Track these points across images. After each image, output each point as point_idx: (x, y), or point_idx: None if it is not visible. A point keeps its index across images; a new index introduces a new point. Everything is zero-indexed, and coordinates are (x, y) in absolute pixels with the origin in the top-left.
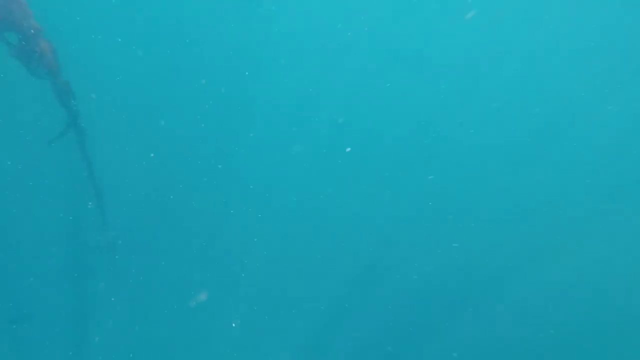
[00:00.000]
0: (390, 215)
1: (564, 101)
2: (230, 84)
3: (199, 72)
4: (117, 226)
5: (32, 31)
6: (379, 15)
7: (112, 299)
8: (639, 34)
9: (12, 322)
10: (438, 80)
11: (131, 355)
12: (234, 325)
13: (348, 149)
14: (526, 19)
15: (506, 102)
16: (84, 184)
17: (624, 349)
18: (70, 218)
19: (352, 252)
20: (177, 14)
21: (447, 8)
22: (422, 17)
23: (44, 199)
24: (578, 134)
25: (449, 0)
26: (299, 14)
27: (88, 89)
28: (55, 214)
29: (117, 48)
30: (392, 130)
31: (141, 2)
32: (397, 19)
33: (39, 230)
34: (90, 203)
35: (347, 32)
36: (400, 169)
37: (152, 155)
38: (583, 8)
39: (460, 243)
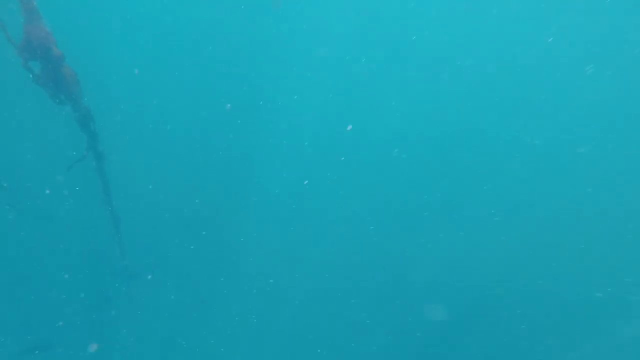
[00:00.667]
0: (396, 215)
1: (567, 102)
2: (249, 99)
3: (220, 96)
4: (134, 251)
5: (54, 59)
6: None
7: (130, 326)
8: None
9: (31, 351)
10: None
11: None
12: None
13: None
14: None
15: (510, 104)
16: (102, 209)
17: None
18: (88, 244)
19: (354, 252)
20: (193, 37)
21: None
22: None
23: (62, 226)
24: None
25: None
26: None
27: (107, 114)
28: (73, 241)
29: (137, 74)
30: (396, 131)
31: (159, 29)
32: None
33: (57, 258)
34: (107, 228)
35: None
36: (410, 168)
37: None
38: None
39: (463, 243)
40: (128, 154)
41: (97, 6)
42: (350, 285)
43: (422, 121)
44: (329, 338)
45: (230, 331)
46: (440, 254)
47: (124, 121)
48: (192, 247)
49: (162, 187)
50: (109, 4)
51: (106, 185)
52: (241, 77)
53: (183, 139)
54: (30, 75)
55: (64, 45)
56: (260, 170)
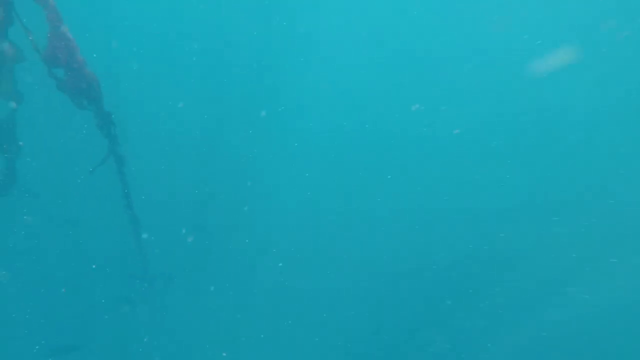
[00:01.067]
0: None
1: (565, 101)
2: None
3: (236, 100)
4: (154, 254)
5: (77, 65)
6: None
7: (150, 327)
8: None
9: (58, 352)
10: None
11: None
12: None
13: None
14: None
15: (507, 103)
16: (123, 213)
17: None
18: (110, 248)
19: (357, 252)
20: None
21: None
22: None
23: (86, 230)
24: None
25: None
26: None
27: (128, 118)
28: (96, 244)
29: (157, 79)
30: (396, 131)
31: (178, 34)
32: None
33: (81, 261)
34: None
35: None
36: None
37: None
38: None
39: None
40: (147, 158)
41: (117, 12)
42: (361, 287)
43: (432, 121)
44: (341, 340)
45: (245, 333)
46: (455, 256)
47: (142, 126)
48: (209, 248)
49: (179, 189)
50: (128, 11)
51: (126, 189)
52: (257, 81)
53: (200, 142)
54: (55, 82)
55: (84, 51)
56: (275, 173)
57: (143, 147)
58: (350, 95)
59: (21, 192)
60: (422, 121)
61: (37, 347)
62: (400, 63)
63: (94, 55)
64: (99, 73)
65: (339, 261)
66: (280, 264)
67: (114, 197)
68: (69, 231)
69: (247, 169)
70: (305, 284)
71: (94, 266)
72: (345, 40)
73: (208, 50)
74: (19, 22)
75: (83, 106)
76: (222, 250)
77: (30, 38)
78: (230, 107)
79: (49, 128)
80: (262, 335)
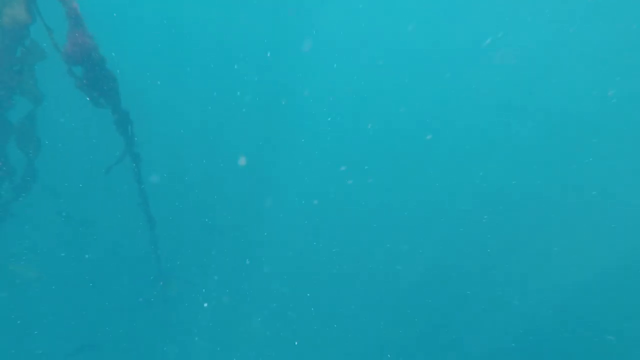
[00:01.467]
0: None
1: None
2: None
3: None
4: (169, 254)
5: (97, 63)
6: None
7: (167, 326)
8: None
9: (81, 350)
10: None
11: None
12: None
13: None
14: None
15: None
16: (139, 212)
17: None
18: (128, 248)
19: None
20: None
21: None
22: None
23: (103, 230)
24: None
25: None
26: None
27: (146, 117)
28: (114, 244)
29: (176, 78)
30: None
31: (197, 38)
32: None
33: (99, 261)
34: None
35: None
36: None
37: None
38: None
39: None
40: (162, 158)
41: (132, 13)
42: (374, 290)
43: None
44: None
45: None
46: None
47: (157, 125)
48: (225, 249)
49: (193, 190)
50: (144, 13)
51: (142, 188)
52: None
53: (214, 143)
54: (74, 80)
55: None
56: (286, 173)
57: (155, 147)
58: (362, 93)
59: (43, 191)
60: (433, 122)
61: (57, 346)
62: (412, 63)
63: (113, 54)
64: (117, 71)
65: (348, 259)
66: (288, 266)
67: (129, 196)
68: (86, 231)
69: (257, 168)
70: (311, 284)
71: (112, 266)
72: (355, 39)
73: (222, 49)
74: (41, 20)
75: (100, 104)
76: (234, 249)
77: (50, 36)
78: (240, 107)
79: (66, 126)
80: (278, 335)
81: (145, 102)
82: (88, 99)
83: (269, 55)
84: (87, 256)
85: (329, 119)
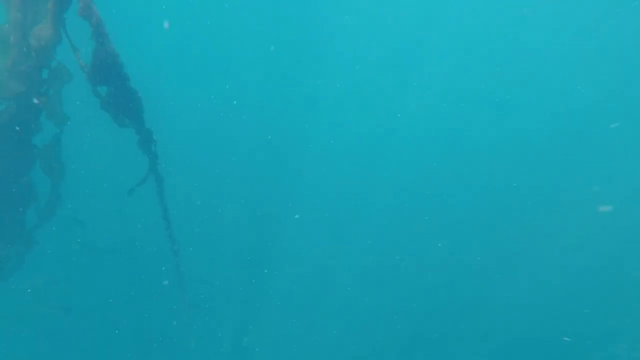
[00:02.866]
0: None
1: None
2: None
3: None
4: (193, 279)
5: (121, 81)
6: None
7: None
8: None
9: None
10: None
11: None
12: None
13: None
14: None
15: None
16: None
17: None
18: (150, 275)
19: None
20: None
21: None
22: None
23: (126, 258)
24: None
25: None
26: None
27: (168, 136)
28: (136, 272)
29: (198, 96)
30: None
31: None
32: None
33: (121, 289)
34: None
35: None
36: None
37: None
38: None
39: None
40: (184, 177)
41: (151, 27)
42: (397, 292)
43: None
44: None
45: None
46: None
47: (179, 143)
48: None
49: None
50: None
51: (165, 209)
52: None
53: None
54: (98, 100)
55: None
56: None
57: (182, 168)
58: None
59: (68, 222)
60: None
61: None
62: (423, 63)
63: (137, 71)
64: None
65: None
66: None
67: (154, 218)
68: (110, 259)
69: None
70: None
71: (133, 294)
72: (366, 39)
73: (242, 55)
74: (68, 39)
75: (125, 124)
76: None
77: (77, 56)
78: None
79: (88, 148)
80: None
81: (164, 118)
82: (112, 119)
83: (291, 58)
84: (110, 283)
85: (350, 121)
